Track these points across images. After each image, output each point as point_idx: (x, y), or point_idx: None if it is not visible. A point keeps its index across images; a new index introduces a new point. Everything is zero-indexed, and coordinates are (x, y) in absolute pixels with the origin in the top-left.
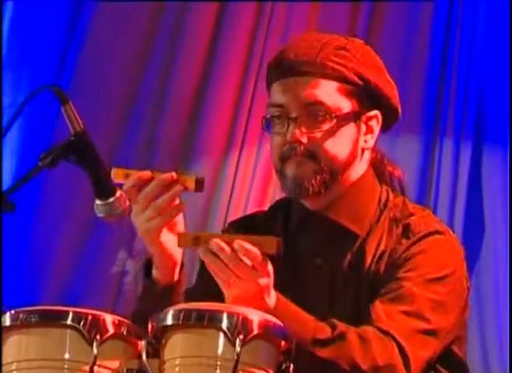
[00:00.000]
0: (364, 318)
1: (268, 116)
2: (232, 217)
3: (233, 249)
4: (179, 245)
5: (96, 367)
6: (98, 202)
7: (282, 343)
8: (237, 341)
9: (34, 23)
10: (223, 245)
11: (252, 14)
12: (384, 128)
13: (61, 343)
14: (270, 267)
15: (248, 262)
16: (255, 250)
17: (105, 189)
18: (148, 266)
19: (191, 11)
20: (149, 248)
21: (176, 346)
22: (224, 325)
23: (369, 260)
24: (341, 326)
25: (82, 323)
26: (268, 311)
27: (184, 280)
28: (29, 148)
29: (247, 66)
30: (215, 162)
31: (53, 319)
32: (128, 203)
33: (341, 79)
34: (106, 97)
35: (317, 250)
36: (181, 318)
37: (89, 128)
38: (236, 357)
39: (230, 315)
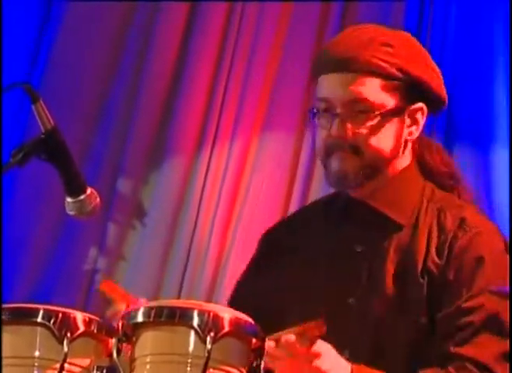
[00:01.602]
0: (402, 307)
1: (314, 110)
2: (203, 215)
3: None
4: None
5: (66, 365)
6: (69, 200)
7: (253, 340)
8: (208, 338)
9: (5, 22)
10: (270, 343)
11: (223, 14)
12: (432, 112)
13: (32, 340)
14: (319, 348)
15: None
16: (293, 340)
17: (75, 186)
18: None
19: (163, 11)
20: None
21: (146, 343)
22: (195, 322)
23: (418, 251)
24: None
25: (52, 321)
26: None
27: None
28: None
29: (218, 66)
30: (186, 159)
31: (23, 317)
32: (98, 199)
33: (386, 76)
34: (78, 95)
35: (357, 237)
36: (152, 315)
37: (62, 126)
38: (207, 355)
39: (201, 313)
